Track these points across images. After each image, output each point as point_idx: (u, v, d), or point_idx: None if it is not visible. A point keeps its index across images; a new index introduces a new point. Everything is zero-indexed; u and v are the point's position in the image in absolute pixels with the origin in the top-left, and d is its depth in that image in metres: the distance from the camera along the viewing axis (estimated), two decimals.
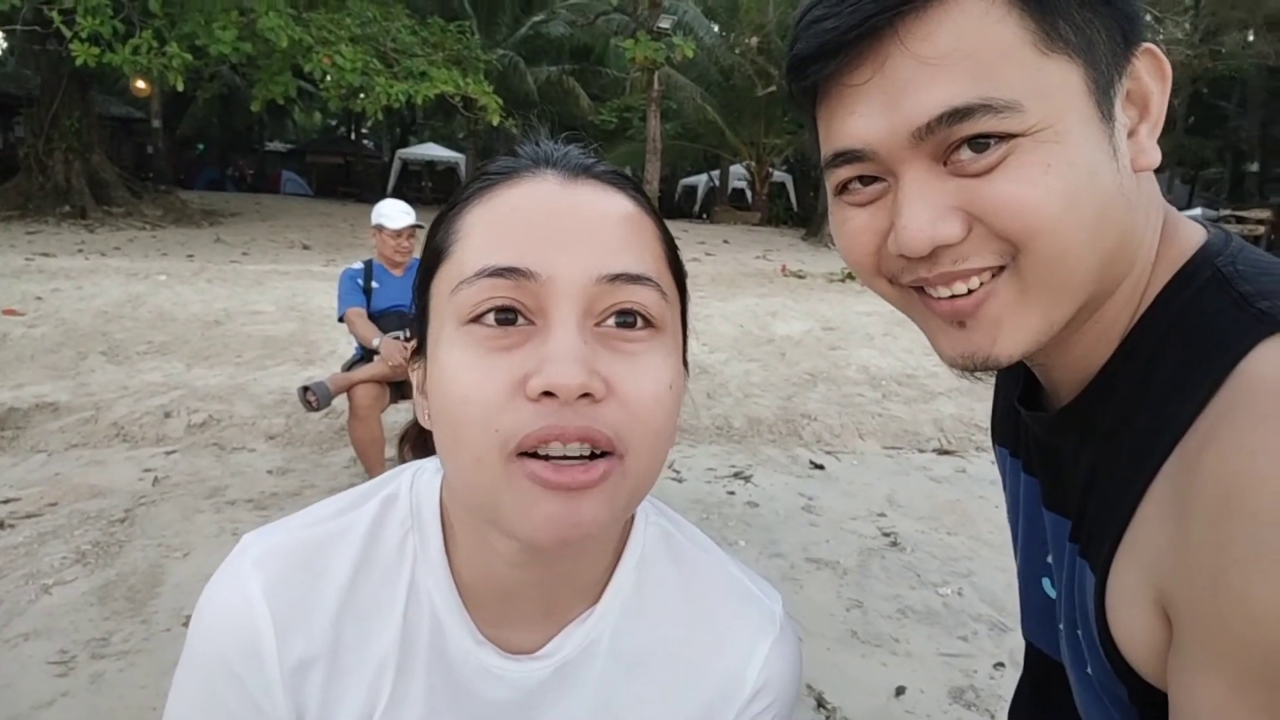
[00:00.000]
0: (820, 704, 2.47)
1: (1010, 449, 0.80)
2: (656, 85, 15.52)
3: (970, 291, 0.56)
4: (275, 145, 35.43)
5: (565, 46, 24.53)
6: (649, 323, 0.55)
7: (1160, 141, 0.58)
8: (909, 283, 0.59)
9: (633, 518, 0.68)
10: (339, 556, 0.63)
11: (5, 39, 18.27)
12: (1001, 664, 2.70)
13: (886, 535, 3.74)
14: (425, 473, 0.68)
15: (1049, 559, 0.72)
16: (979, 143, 0.52)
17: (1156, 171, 0.59)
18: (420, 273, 0.61)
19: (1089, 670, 0.62)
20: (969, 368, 0.59)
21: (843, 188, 0.60)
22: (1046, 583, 0.74)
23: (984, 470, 4.62)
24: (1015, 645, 1.85)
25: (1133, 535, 0.54)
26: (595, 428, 0.50)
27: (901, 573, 3.37)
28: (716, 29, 22.88)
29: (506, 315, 0.52)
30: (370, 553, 0.63)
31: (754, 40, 19.03)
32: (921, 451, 5.02)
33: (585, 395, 0.50)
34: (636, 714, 0.66)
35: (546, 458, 0.50)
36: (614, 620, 0.65)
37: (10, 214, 13.93)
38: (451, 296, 0.54)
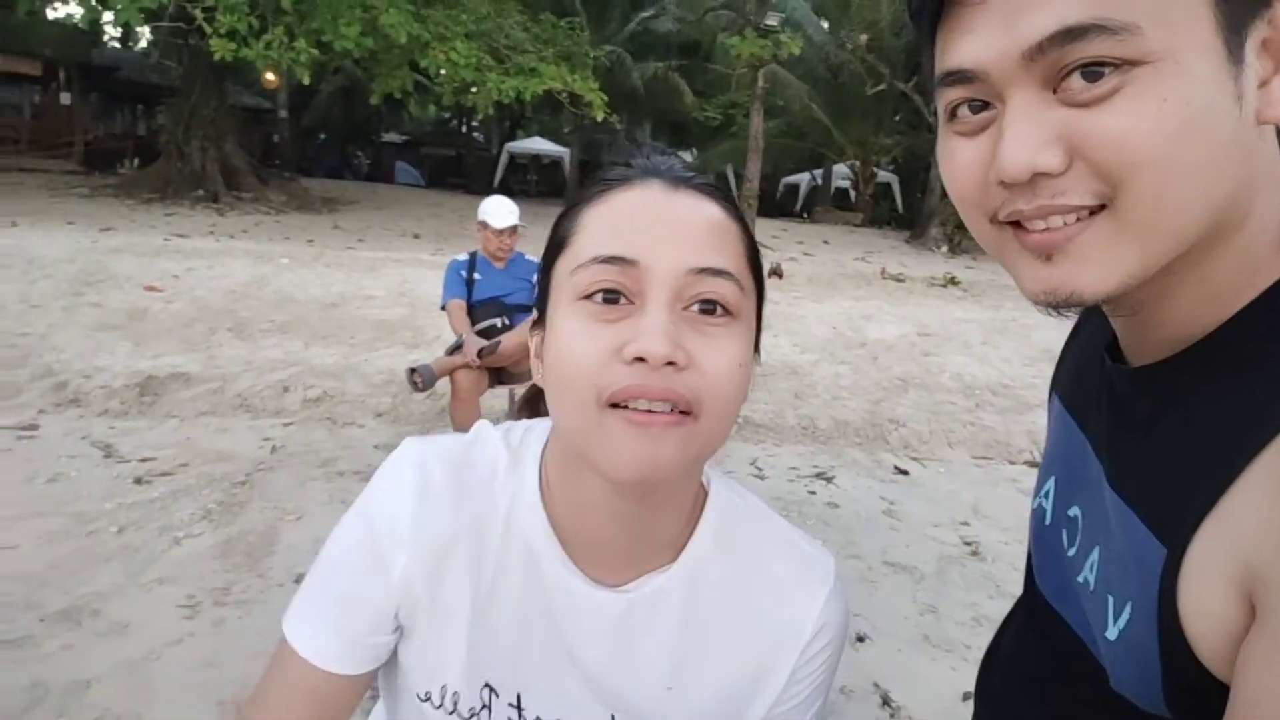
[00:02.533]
0: (885, 702, 2.52)
1: (1066, 400, 0.78)
2: (761, 82, 15.45)
3: (1065, 224, 0.54)
4: (391, 136, 36.81)
5: (672, 42, 24.64)
6: (727, 311, 0.64)
7: None
8: (1006, 217, 0.57)
9: (708, 491, 0.78)
10: (468, 475, 0.76)
11: (151, 33, 19.59)
12: None
13: (968, 544, 3.72)
14: (534, 431, 0.79)
15: (1072, 512, 0.70)
16: (1093, 71, 0.49)
17: None
18: (544, 257, 0.72)
19: (1108, 635, 0.60)
20: (1051, 304, 0.57)
21: (951, 114, 0.59)
22: (1064, 535, 0.72)
23: None
24: None
25: (1225, 508, 0.51)
26: (676, 389, 0.60)
27: (980, 582, 3.36)
28: (826, 25, 22.59)
29: (612, 295, 0.63)
30: (485, 475, 0.76)
31: (864, 38, 18.71)
32: (1012, 463, 4.94)
33: (670, 364, 0.60)
34: (706, 655, 0.75)
35: (635, 410, 0.61)
36: (688, 574, 0.74)
37: (151, 196, 15.03)
38: (570, 277, 0.65)
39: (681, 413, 0.61)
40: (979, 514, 4.11)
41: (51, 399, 4.69)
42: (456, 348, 4.14)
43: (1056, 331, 0.75)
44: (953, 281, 12.64)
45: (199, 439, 4.34)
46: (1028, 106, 0.52)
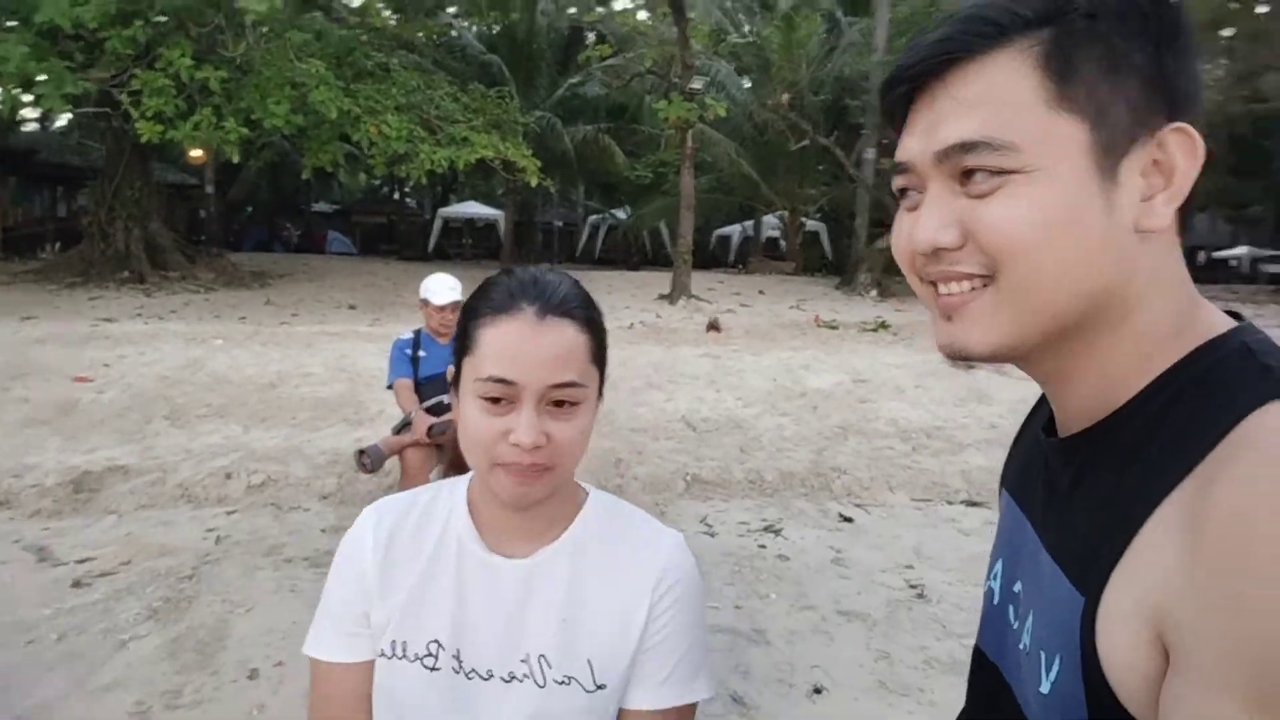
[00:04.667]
0: None
1: (1012, 490, 0.88)
2: (690, 143, 15.89)
3: (961, 292, 0.67)
4: (321, 206, 36.58)
5: (601, 106, 25.21)
6: (573, 403, 0.97)
7: (1203, 181, 0.67)
8: (926, 278, 0.70)
9: (588, 494, 1.11)
10: (413, 507, 1.11)
11: (70, 115, 19.28)
12: None
13: (914, 587, 3.84)
14: (463, 481, 1.14)
15: (1015, 587, 0.79)
16: (986, 172, 0.63)
17: (1200, 209, 0.66)
18: (456, 348, 1.02)
19: (1042, 690, 0.67)
20: (950, 355, 0.71)
21: (901, 194, 0.72)
22: (1011, 610, 0.80)
23: None
24: None
25: (1132, 556, 0.58)
26: (539, 460, 0.94)
27: (928, 624, 3.47)
28: (749, 85, 23.37)
29: (497, 400, 0.95)
30: (427, 504, 1.11)
31: (786, 97, 19.42)
32: (950, 504, 5.11)
33: (536, 446, 0.93)
34: (587, 599, 1.05)
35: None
36: (570, 546, 1.06)
37: (74, 280, 14.62)
38: (473, 382, 0.96)
39: (544, 468, 0.95)
40: (921, 556, 4.24)
41: None
42: (404, 425, 4.15)
43: (983, 372, 0.86)
44: (883, 325, 13.04)
45: (140, 534, 4.25)
46: (938, 195, 0.67)
